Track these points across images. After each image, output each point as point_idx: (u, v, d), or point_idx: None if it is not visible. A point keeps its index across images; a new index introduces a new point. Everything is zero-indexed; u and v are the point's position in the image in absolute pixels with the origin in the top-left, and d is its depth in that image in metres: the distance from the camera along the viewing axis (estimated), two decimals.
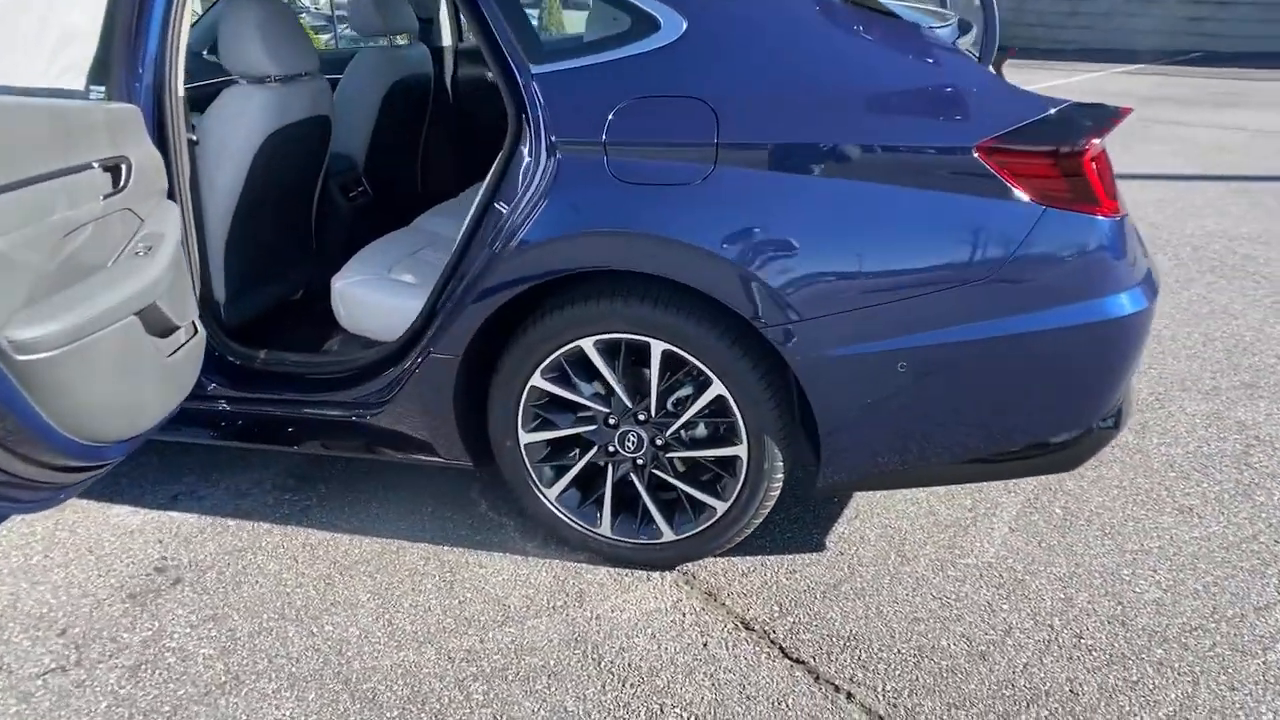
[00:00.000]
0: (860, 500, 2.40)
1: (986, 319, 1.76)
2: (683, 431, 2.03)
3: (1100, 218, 1.75)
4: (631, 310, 1.89)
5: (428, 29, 3.66)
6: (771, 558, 2.18)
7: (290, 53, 2.44)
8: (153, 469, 2.66)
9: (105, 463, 1.84)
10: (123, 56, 1.98)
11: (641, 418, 2.02)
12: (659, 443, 2.03)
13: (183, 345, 2.06)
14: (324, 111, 2.66)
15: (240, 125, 2.37)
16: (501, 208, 1.97)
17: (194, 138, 2.26)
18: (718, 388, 1.91)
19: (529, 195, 1.89)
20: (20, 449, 1.58)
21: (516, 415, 2.07)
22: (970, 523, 2.29)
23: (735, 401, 1.91)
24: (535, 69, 1.89)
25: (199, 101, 2.55)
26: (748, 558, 2.19)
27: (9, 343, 1.46)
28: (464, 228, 2.04)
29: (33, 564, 2.24)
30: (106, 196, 1.77)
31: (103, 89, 1.96)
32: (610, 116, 1.81)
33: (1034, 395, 1.83)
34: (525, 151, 1.90)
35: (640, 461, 2.06)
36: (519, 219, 1.90)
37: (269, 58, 2.35)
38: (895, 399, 1.82)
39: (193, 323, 2.17)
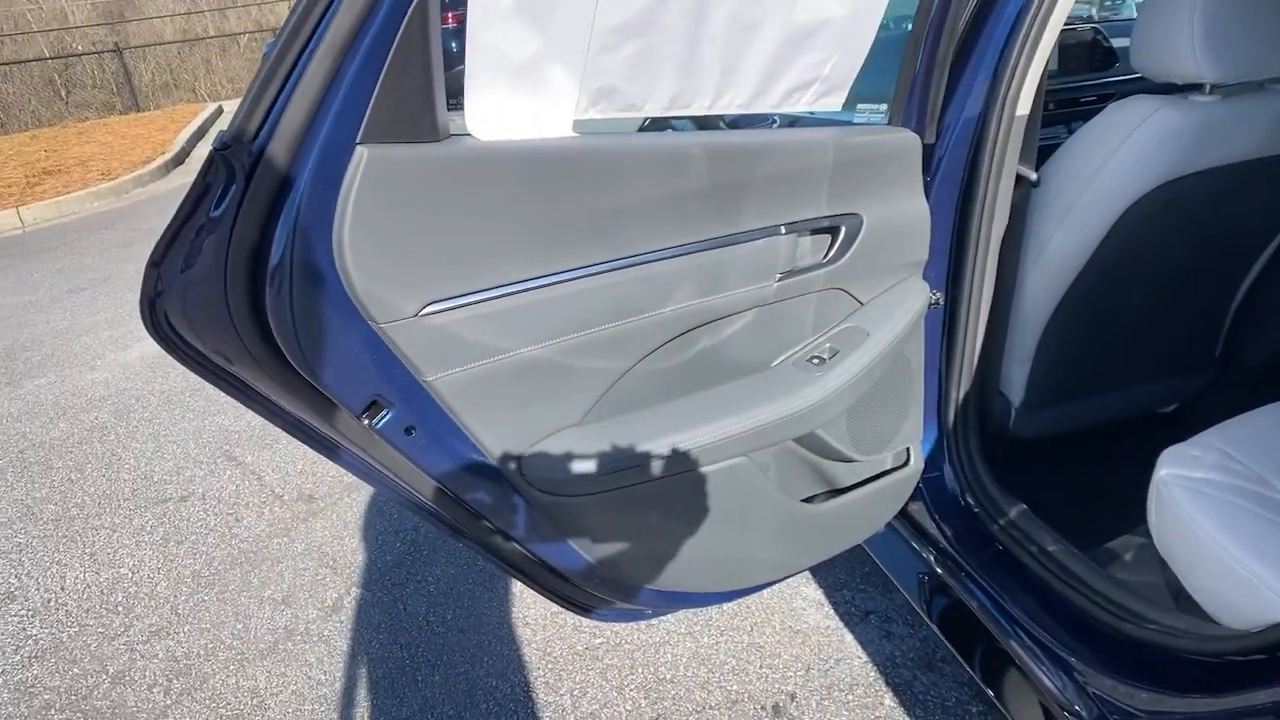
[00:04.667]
0: None
1: None
2: None
3: None
4: None
5: None
6: None
7: (1263, 41, 1.33)
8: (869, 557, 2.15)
9: (673, 608, 1.42)
10: (924, 53, 1.29)
11: None
12: None
13: (852, 489, 1.43)
14: None
15: (1124, 162, 1.44)
16: None
17: (1033, 177, 1.46)
18: None
19: None
20: (577, 583, 1.26)
21: None
22: None
23: None
24: None
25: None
26: None
27: (519, 470, 1.09)
28: None
29: (703, 645, 2.01)
30: (787, 276, 1.21)
31: (881, 111, 1.34)
32: None
33: None
34: None
35: None
36: None
37: (1209, 52, 1.32)
38: None
39: (907, 450, 1.49)
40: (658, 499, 1.16)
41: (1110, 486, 1.75)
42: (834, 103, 1.22)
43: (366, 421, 0.96)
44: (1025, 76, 1.34)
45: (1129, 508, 1.59)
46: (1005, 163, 1.39)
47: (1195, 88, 1.39)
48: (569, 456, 1.08)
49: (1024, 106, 1.37)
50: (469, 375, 0.99)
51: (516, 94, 0.94)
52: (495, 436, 1.05)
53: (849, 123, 1.31)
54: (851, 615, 1.98)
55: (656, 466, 1.13)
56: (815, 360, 1.25)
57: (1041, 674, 1.34)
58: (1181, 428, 1.93)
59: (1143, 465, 1.58)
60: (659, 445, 1.12)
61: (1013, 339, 1.65)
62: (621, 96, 1.02)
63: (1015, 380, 1.73)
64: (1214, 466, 1.30)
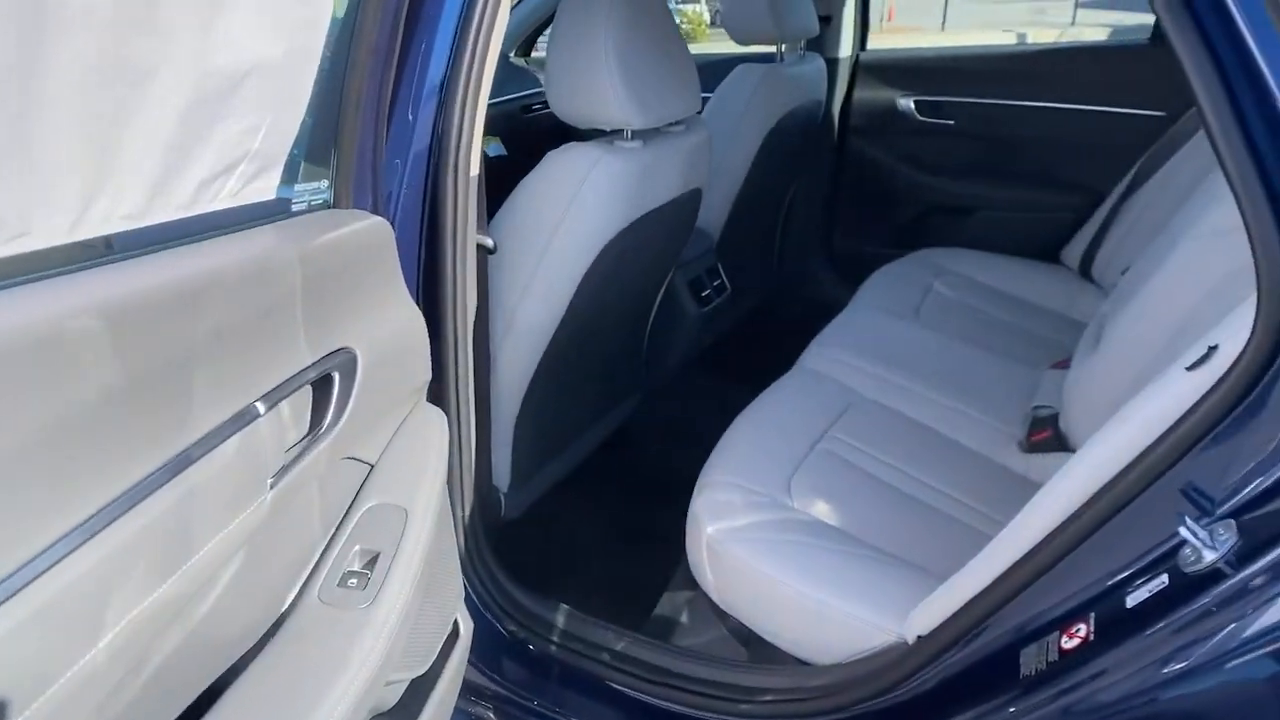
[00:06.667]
0: None
1: None
2: None
3: None
4: None
5: (821, 34, 2.40)
6: None
7: (666, 89, 1.34)
8: None
9: None
10: (369, 98, 0.92)
11: None
12: None
13: (426, 700, 1.03)
14: (697, 183, 1.55)
15: (581, 218, 1.31)
16: None
17: (489, 243, 1.22)
18: None
19: None
20: None
21: None
22: None
23: None
24: None
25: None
26: None
27: None
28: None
29: None
30: (281, 476, 0.74)
31: (322, 189, 0.93)
32: None
33: None
34: None
35: None
36: None
37: (631, 100, 1.26)
38: None
39: (456, 621, 1.14)
40: None
41: (620, 542, 1.69)
42: (267, 187, 0.78)
43: None
44: (474, 130, 1.09)
45: (648, 555, 1.55)
46: (468, 232, 1.13)
47: (617, 133, 1.33)
48: None
49: (475, 166, 1.12)
50: None
51: None
52: None
53: (285, 213, 0.86)
54: None
55: None
56: (351, 581, 0.81)
57: None
58: (636, 447, 2.00)
59: (639, 507, 1.55)
60: None
61: (499, 426, 1.43)
62: None
63: (500, 468, 1.51)
64: (744, 506, 1.28)
